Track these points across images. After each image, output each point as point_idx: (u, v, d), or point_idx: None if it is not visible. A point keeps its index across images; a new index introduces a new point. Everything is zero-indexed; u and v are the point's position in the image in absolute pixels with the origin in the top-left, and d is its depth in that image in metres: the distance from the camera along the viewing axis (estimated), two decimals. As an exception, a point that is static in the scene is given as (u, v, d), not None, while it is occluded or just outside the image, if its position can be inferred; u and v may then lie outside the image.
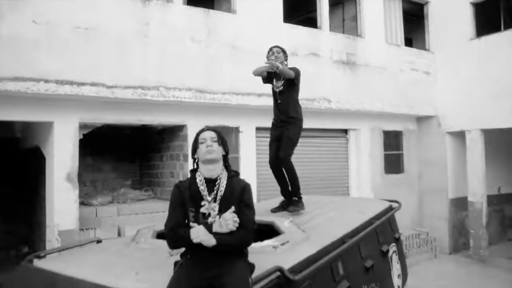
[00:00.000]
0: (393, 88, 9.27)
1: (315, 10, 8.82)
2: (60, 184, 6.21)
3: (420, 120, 10.35)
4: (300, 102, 4.06)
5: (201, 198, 2.03)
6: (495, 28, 9.00)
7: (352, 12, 9.47)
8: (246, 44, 7.24)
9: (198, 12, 6.90)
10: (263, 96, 6.88)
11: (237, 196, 2.03)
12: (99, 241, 2.96)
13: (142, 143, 8.87)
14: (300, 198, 3.82)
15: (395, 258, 4.03)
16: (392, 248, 4.00)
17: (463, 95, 9.35)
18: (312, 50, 8.14)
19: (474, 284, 7.82)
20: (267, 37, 7.30)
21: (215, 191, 2.03)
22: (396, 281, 3.94)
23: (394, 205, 4.47)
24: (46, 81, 5.64)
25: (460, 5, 9.46)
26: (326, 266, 2.64)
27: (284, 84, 3.86)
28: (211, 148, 2.08)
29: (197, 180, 2.07)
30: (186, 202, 2.02)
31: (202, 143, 2.10)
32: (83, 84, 5.87)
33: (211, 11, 7.13)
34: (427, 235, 9.46)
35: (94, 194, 7.90)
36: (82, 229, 6.56)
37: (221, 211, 1.98)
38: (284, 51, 4.00)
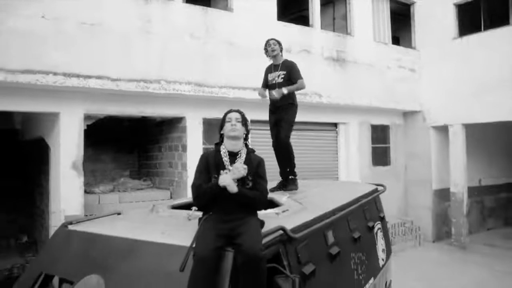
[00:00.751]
0: (380, 84, 9.75)
1: (307, 9, 9.25)
2: (66, 172, 6.54)
3: (406, 115, 10.87)
4: (292, 97, 4.53)
5: (224, 167, 2.43)
6: (476, 28, 9.53)
7: (342, 11, 9.92)
8: (242, 41, 7.63)
9: (197, 10, 7.27)
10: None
11: (254, 168, 2.45)
12: (119, 214, 3.34)
13: (140, 135, 9.21)
14: (296, 177, 4.27)
15: (380, 235, 4.49)
16: (378, 225, 4.46)
17: (446, 91, 9.88)
18: (304, 47, 8.57)
19: (454, 268, 8.35)
20: (262, 34, 7.62)
21: (236, 162, 2.44)
22: (381, 254, 4.40)
23: (380, 188, 4.92)
24: (55, 73, 5.96)
25: (444, 6, 9.97)
26: (320, 232, 3.08)
27: (285, 78, 4.28)
28: (235, 127, 2.51)
29: (222, 152, 2.48)
30: (210, 169, 2.43)
31: (228, 121, 2.53)
32: (89, 77, 6.20)
33: (209, 9, 7.51)
34: (412, 223, 9.99)
35: (94, 184, 8.23)
36: (86, 215, 6.91)
37: (239, 179, 2.38)
38: (279, 43, 4.44)
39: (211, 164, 2.44)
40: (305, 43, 8.56)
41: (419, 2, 10.63)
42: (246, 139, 2.59)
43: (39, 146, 8.57)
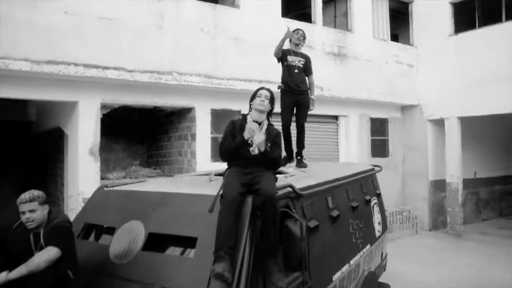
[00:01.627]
0: (379, 78, 10.21)
1: (309, 6, 9.71)
2: (83, 158, 7.00)
3: (404, 108, 11.32)
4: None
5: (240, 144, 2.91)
6: (471, 26, 9.98)
7: (343, 9, 10.38)
8: (248, 36, 8.10)
9: (206, 6, 7.73)
10: (263, 82, 7.73)
11: (272, 137, 2.95)
12: (143, 181, 3.80)
13: (151, 126, 9.67)
14: (303, 157, 4.75)
15: (376, 209, 4.95)
16: (374, 200, 4.92)
17: (442, 86, 10.33)
18: (307, 43, 8.95)
19: (449, 253, 8.79)
20: (267, 30, 8.21)
21: (260, 128, 2.93)
22: (377, 226, 4.86)
23: (377, 168, 5.38)
24: (76, 64, 6.42)
25: (440, 4, 10.42)
26: (322, 196, 3.54)
27: (303, 66, 4.80)
28: (263, 103, 3.04)
29: (248, 120, 2.96)
30: (236, 133, 2.90)
31: (258, 97, 3.06)
32: (107, 68, 6.67)
33: (218, 5, 7.97)
34: (409, 212, 10.43)
35: (107, 172, 8.70)
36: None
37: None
38: (305, 38, 5.17)
39: (237, 129, 2.92)
40: (307, 39, 8.98)
41: (417, 1, 11.08)
42: (270, 114, 3.08)
43: (53, 136, 9.03)
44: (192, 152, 8.10)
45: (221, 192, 2.55)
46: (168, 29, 7.26)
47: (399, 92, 10.64)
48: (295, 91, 4.80)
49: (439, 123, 10.68)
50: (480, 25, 9.89)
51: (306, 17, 9.73)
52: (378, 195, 5.14)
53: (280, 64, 5.09)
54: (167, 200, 2.79)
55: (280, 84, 4.86)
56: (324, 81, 9.18)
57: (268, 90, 3.11)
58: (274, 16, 8.59)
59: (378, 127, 11.02)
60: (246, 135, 2.78)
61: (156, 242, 2.64)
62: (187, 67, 7.39)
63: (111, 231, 2.87)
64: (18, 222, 2.69)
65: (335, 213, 3.64)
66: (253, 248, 2.44)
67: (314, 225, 3.16)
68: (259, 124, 2.99)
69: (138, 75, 6.93)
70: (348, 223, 3.96)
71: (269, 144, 2.86)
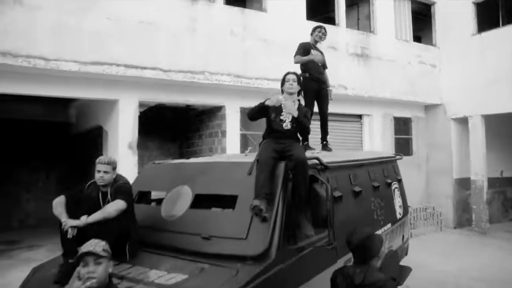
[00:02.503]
0: (402, 78, 10.46)
1: (333, 11, 10.11)
2: (123, 152, 7.58)
3: (428, 108, 11.50)
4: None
5: (281, 110, 3.33)
6: (495, 24, 10.12)
7: (366, 11, 10.72)
8: (275, 38, 8.56)
9: (235, 10, 8.25)
10: (290, 81, 8.17)
11: (302, 113, 3.36)
12: (187, 158, 4.27)
13: (182, 125, 10.24)
14: (328, 142, 5.16)
15: (397, 193, 5.26)
16: (395, 184, 5.23)
17: (466, 84, 10.48)
18: (331, 44, 9.39)
19: (474, 248, 8.89)
20: (292, 32, 8.63)
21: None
22: (398, 209, 5.17)
23: (398, 156, 5.70)
24: (117, 65, 7.03)
25: (463, 4, 10.62)
26: (346, 172, 3.92)
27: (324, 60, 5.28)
28: (292, 86, 3.47)
29: (281, 102, 3.39)
30: (270, 111, 3.31)
31: (287, 81, 3.48)
32: (145, 68, 7.25)
33: (246, 9, 8.49)
34: (433, 209, 10.55)
35: (141, 168, 9.28)
36: (139, 190, 7.94)
37: (293, 118, 3.28)
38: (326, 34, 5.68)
39: (271, 106, 3.32)
40: (331, 40, 9.37)
41: (439, 2, 11.30)
42: (299, 93, 3.51)
43: (92, 136, 9.71)
44: (223, 148, 8.57)
45: (257, 157, 2.99)
46: (201, 31, 7.81)
47: (422, 92, 10.85)
48: (318, 81, 5.21)
49: (463, 122, 10.80)
50: (504, 24, 10.02)
51: (330, 20, 10.11)
52: (399, 181, 5.44)
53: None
54: (210, 168, 3.25)
55: (304, 74, 5.24)
56: (348, 80, 9.53)
57: (294, 73, 3.54)
58: (300, 19, 9.03)
59: (402, 126, 11.23)
60: (270, 102, 3.21)
61: (202, 201, 3.09)
62: (218, 67, 7.91)
63: (162, 196, 3.34)
64: (89, 182, 3.21)
65: (357, 188, 4.00)
66: (285, 204, 2.86)
67: (338, 195, 3.54)
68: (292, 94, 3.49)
69: (173, 74, 7.49)
70: (370, 200, 4.30)
71: (300, 119, 3.29)
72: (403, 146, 11.23)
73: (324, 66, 5.52)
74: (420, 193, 11.17)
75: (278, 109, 3.32)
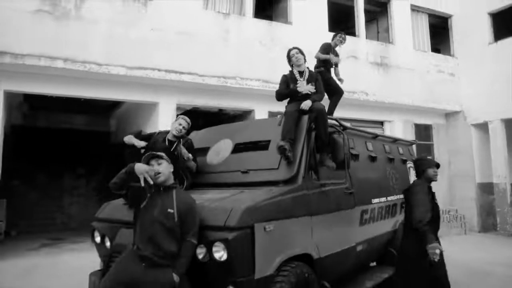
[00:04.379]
0: (421, 86, 10.99)
1: (353, 27, 10.85)
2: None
3: (448, 115, 11.90)
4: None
5: (296, 80, 4.01)
6: (511, 33, 10.60)
7: (384, 25, 11.42)
8: (300, 48, 9.31)
9: (264, 23, 9.13)
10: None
11: (314, 79, 4.02)
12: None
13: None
14: None
15: (412, 172, 5.72)
16: (410, 164, 5.73)
17: (484, 91, 10.89)
18: (352, 54, 10.12)
19: (495, 246, 9.04)
20: (315, 42, 9.33)
21: (303, 76, 4.03)
22: (414, 186, 5.64)
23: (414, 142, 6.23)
24: (159, 70, 7.93)
25: (479, 16, 11.17)
26: (363, 140, 4.51)
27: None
28: (298, 58, 4.18)
29: (294, 72, 4.08)
30: (288, 82, 4.01)
31: (292, 56, 4.14)
32: (183, 73, 8.12)
33: (273, 22, 9.35)
34: (456, 212, 10.77)
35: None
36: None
37: (308, 82, 3.96)
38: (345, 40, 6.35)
39: (288, 80, 4.03)
40: (352, 50, 10.12)
41: (456, 14, 11.90)
42: (305, 61, 4.19)
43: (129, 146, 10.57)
44: (251, 148, 9.25)
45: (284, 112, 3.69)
46: (233, 41, 8.68)
47: (442, 99, 11.30)
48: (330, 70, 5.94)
49: (483, 127, 11.13)
50: (519, 32, 10.51)
51: (351, 34, 10.84)
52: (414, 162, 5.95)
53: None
54: (246, 125, 3.94)
55: (319, 68, 5.91)
56: (369, 87, 10.15)
57: (295, 47, 4.22)
58: (322, 31, 9.80)
59: (423, 132, 11.64)
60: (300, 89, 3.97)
61: (241, 149, 3.75)
62: (248, 73, 8.71)
63: (207, 149, 4.04)
64: (158, 131, 3.99)
65: (373, 154, 4.57)
66: (309, 147, 3.49)
67: (355, 153, 4.13)
68: (302, 72, 4.14)
69: (208, 79, 8.33)
70: (385, 168, 4.84)
71: (313, 85, 4.01)
72: (424, 151, 11.58)
73: (336, 65, 6.17)
74: (443, 198, 11.40)
75: (293, 80, 4.09)
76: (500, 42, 10.69)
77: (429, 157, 4.01)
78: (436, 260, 3.23)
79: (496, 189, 10.64)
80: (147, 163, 2.93)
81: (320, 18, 9.90)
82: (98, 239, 3.52)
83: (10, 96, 8.56)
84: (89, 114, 12.30)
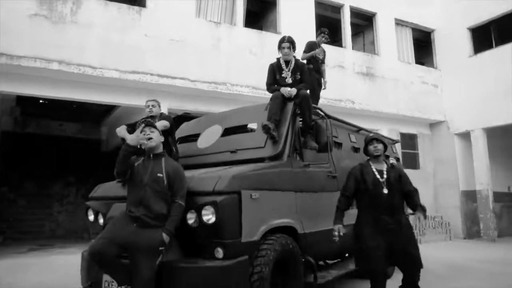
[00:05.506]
0: (406, 96, 11.38)
1: (341, 39, 11.26)
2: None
3: (432, 125, 12.28)
4: (329, 102, 6.44)
5: (282, 69, 4.26)
6: (489, 46, 11.12)
7: (370, 38, 11.87)
8: (288, 56, 9.67)
9: (254, 32, 9.47)
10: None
11: (299, 68, 4.27)
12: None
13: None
14: None
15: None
16: (393, 160, 5.97)
17: (466, 101, 11.31)
18: (338, 63, 10.49)
19: (479, 250, 9.26)
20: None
21: (289, 66, 4.28)
22: (396, 181, 5.87)
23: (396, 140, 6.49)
24: (151, 74, 8.17)
25: (459, 30, 11.71)
26: (345, 131, 4.76)
27: (323, 56, 6.28)
28: (287, 54, 4.40)
29: (281, 61, 4.33)
30: (275, 71, 4.26)
31: (283, 48, 4.39)
32: (175, 78, 8.37)
33: (263, 32, 9.70)
34: (441, 218, 11.01)
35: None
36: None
37: (293, 73, 4.19)
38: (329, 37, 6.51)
39: (275, 68, 4.27)
40: (339, 60, 10.50)
41: (438, 29, 12.43)
42: (294, 50, 4.44)
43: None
44: (241, 153, 9.44)
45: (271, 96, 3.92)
46: (224, 49, 8.98)
47: (426, 109, 11.69)
48: (317, 71, 6.19)
49: (466, 137, 11.51)
50: (497, 45, 11.00)
51: (338, 46, 11.26)
52: (397, 160, 6.20)
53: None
54: (234, 112, 4.15)
55: (308, 65, 6.20)
56: (355, 95, 10.48)
57: (288, 40, 4.46)
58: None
59: (408, 142, 11.97)
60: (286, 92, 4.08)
61: (230, 133, 3.95)
62: (238, 80, 8.98)
63: (198, 135, 4.24)
64: (142, 118, 4.19)
65: (356, 145, 4.81)
66: (293, 129, 3.71)
67: (338, 141, 4.36)
68: (289, 62, 4.41)
69: (199, 84, 8.57)
70: (368, 160, 5.07)
71: (298, 74, 4.29)
72: (410, 160, 11.90)
73: (323, 62, 6.46)
74: (429, 205, 11.64)
75: (280, 69, 4.31)
76: (479, 55, 11.18)
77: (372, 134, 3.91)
78: (335, 240, 3.34)
79: (479, 195, 10.93)
80: (141, 131, 3.13)
81: (308, 30, 10.28)
82: (91, 217, 3.66)
83: (2, 100, 8.71)
84: (80, 121, 12.42)
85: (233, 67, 9.01)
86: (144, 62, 8.15)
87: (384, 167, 3.65)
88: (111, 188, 3.60)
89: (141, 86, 8.31)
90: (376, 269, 3.29)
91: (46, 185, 12.31)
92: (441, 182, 11.96)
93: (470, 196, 11.43)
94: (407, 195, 3.54)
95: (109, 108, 11.34)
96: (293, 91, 3.89)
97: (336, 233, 3.33)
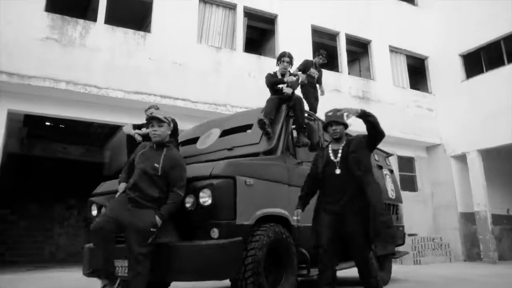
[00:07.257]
0: (401, 120, 11.68)
1: (337, 66, 11.71)
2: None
3: (429, 148, 12.51)
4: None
5: (279, 81, 4.57)
6: (480, 71, 11.53)
7: (366, 64, 12.33)
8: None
9: (253, 56, 9.91)
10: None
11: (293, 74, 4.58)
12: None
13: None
14: None
15: (388, 179, 6.18)
16: (386, 171, 6.18)
17: (460, 125, 11.61)
18: (335, 87, 10.87)
19: (478, 268, 9.24)
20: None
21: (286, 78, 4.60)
22: (390, 191, 6.05)
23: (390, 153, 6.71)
24: (154, 95, 8.53)
25: (451, 57, 12.19)
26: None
27: (318, 76, 6.67)
28: (285, 68, 4.75)
29: (277, 74, 4.64)
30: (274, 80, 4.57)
31: (282, 62, 4.71)
32: (177, 98, 8.72)
33: (262, 56, 10.15)
34: (441, 239, 11.02)
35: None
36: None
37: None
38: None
39: (274, 77, 4.58)
40: (335, 84, 10.88)
41: (431, 56, 12.92)
42: (291, 66, 4.75)
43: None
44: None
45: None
46: (224, 72, 9.38)
47: (421, 132, 11.97)
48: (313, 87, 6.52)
49: (462, 159, 11.70)
50: (487, 70, 11.41)
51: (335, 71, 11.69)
52: (391, 172, 6.39)
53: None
54: (232, 116, 4.42)
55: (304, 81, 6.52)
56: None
57: (289, 56, 4.80)
58: (307, 66, 10.60)
59: (406, 165, 12.17)
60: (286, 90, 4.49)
61: (227, 133, 4.19)
62: (238, 101, 9.32)
63: (197, 138, 4.48)
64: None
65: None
66: (287, 129, 3.95)
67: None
68: (284, 75, 4.79)
69: (200, 105, 8.91)
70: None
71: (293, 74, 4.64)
72: (408, 183, 12.05)
73: (319, 81, 6.81)
74: (427, 227, 11.71)
75: (279, 81, 4.65)
76: (471, 80, 11.58)
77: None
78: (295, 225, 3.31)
79: (477, 217, 10.99)
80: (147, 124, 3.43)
81: (306, 57, 10.69)
82: (95, 212, 3.84)
83: (11, 121, 9.01)
84: (84, 144, 12.71)
85: (233, 89, 9.38)
86: (148, 83, 8.52)
87: (340, 146, 3.48)
88: (114, 184, 3.80)
89: (144, 106, 8.59)
90: (318, 245, 3.05)
91: (48, 207, 12.44)
92: (439, 204, 12.05)
93: (468, 218, 11.48)
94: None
95: (111, 132, 11.66)
96: (289, 90, 4.20)
97: (295, 218, 3.23)
